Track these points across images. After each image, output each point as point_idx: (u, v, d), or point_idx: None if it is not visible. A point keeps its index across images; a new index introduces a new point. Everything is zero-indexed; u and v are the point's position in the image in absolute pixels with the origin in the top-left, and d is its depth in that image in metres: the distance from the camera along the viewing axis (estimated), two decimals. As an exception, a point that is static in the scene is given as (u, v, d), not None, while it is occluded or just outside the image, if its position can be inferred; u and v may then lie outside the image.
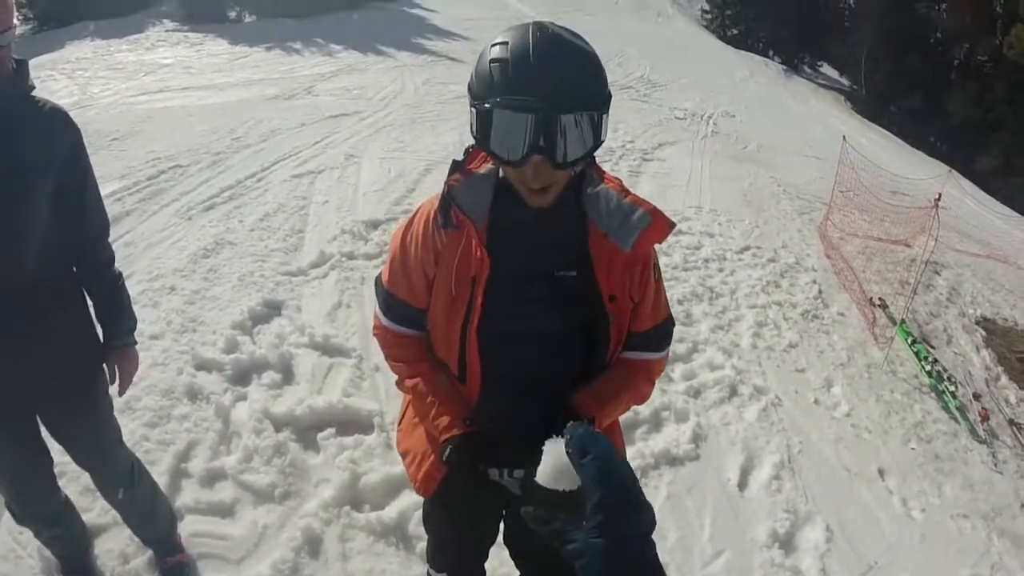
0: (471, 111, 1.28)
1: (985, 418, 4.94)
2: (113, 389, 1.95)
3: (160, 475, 2.65)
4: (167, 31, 12.19)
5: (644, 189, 7.32)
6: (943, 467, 4.20)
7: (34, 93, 1.65)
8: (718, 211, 7.26)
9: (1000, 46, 22.01)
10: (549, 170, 1.26)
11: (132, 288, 3.84)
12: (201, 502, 2.65)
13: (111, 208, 4.83)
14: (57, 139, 1.64)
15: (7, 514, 2.08)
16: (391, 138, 7.61)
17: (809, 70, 29.97)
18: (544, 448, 0.89)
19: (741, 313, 5.16)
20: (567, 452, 0.84)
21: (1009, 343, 6.52)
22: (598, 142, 1.27)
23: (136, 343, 1.96)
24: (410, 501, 2.75)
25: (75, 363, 1.84)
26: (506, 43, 1.23)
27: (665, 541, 2.93)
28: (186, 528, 2.50)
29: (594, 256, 1.41)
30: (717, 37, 27.32)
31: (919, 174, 12.14)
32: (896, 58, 25.79)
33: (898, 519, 3.57)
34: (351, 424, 3.19)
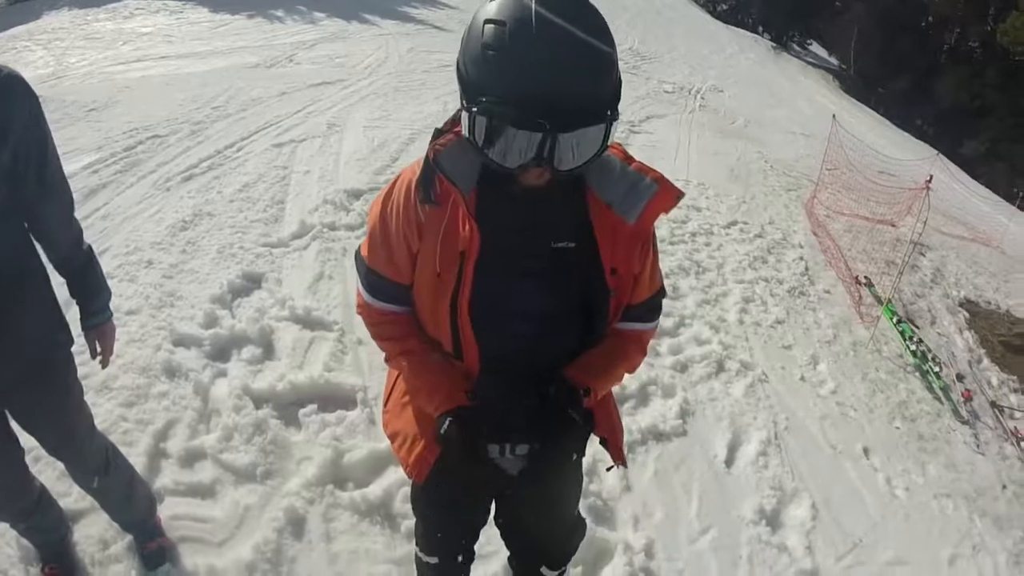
0: (465, 112, 1.15)
1: (968, 399, 4.99)
2: (94, 368, 1.85)
3: (138, 456, 2.57)
4: (146, -1, 11.84)
5: (631, 162, 7.21)
6: (927, 447, 4.23)
7: None
8: (706, 185, 7.23)
9: (992, 32, 22.11)
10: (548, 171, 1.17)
11: (109, 262, 3.77)
12: (181, 483, 2.57)
13: (87, 180, 4.76)
14: (14, 108, 1.49)
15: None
16: (374, 107, 7.46)
17: (799, 48, 29.97)
18: None
19: (728, 288, 5.15)
20: None
21: (991, 326, 6.59)
22: (605, 146, 1.17)
23: (113, 315, 1.86)
24: (395, 478, 2.70)
25: (41, 350, 1.73)
26: (503, 24, 1.08)
27: (652, 517, 2.92)
28: (166, 511, 2.42)
29: (596, 227, 1.31)
30: (707, 12, 27.16)
31: (906, 155, 12.19)
32: (886, 40, 25.89)
33: (882, 497, 3.59)
34: (333, 400, 3.12)
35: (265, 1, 12.29)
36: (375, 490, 2.66)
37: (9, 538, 2.19)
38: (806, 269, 5.95)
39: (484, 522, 1.77)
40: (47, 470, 2.36)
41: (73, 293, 1.77)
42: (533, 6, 1.07)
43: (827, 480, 3.54)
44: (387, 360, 1.49)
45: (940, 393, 4.91)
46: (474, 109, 1.11)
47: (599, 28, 1.10)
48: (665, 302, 4.53)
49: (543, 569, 1.82)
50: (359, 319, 1.54)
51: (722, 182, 7.55)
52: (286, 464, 2.75)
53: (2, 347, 1.61)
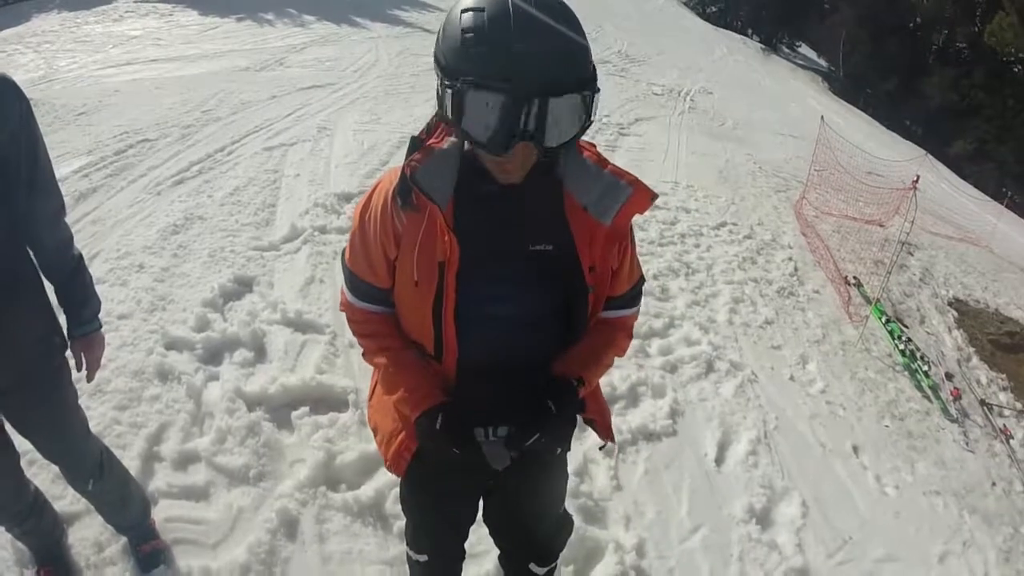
0: (443, 90, 1.17)
1: (957, 397, 5.03)
2: (81, 375, 1.86)
3: (132, 459, 2.58)
4: (136, 2, 11.78)
5: (619, 163, 7.18)
6: (916, 445, 4.27)
7: None
8: (695, 187, 7.28)
9: (979, 33, 22.32)
10: (532, 152, 1.20)
11: (100, 267, 3.77)
12: (175, 486, 2.57)
13: (78, 184, 4.75)
14: (5, 111, 1.50)
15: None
16: (364, 110, 7.48)
17: (787, 50, 30.16)
18: None
19: (717, 289, 5.18)
20: None
21: (981, 325, 6.65)
22: (590, 121, 1.19)
23: (102, 326, 1.86)
24: (386, 479, 2.71)
25: (35, 354, 1.73)
26: (480, 10, 1.11)
27: (643, 517, 2.94)
28: (160, 513, 2.43)
29: (574, 229, 1.34)
30: (696, 14, 27.29)
31: (894, 156, 12.29)
32: (874, 41, 26.08)
33: (872, 495, 3.62)
34: (325, 402, 3.13)
35: (255, 4, 12.27)
36: (367, 491, 2.68)
37: (4, 541, 2.19)
38: (795, 270, 5.99)
39: (472, 519, 1.78)
40: (42, 473, 2.36)
41: (61, 300, 1.77)
42: (513, 14, 1.10)
43: (817, 478, 3.56)
44: (365, 356, 1.51)
45: (929, 392, 4.95)
46: (457, 86, 1.13)
47: (572, 19, 1.14)
48: (655, 303, 4.51)
49: (532, 566, 1.84)
50: None
51: (711, 184, 7.59)
52: (279, 466, 2.76)
53: None
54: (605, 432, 1.57)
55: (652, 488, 3.13)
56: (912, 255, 7.52)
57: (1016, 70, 23.79)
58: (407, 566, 1.95)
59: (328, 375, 3.30)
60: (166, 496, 2.53)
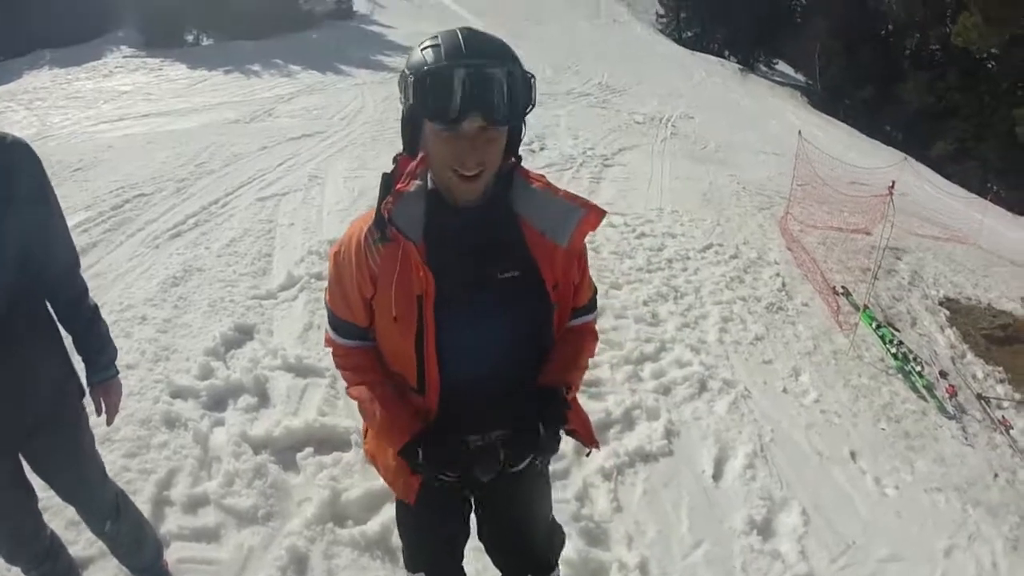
0: (405, 86, 1.34)
1: (953, 394, 5.08)
2: (100, 419, 1.94)
3: (143, 504, 2.65)
4: (125, 57, 12.08)
5: (605, 194, 7.44)
6: (914, 444, 4.31)
7: None
8: (680, 212, 7.39)
9: (950, 35, 22.66)
10: (484, 141, 1.33)
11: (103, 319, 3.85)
12: (185, 528, 2.65)
13: (78, 239, 4.86)
14: (19, 172, 1.62)
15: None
16: (353, 156, 7.65)
17: (765, 68, 30.58)
18: None
19: (707, 310, 5.26)
20: None
21: (973, 320, 6.70)
22: (530, 101, 1.35)
23: (119, 372, 1.96)
24: (391, 513, 2.76)
25: (55, 399, 1.82)
26: (435, 36, 1.33)
27: (644, 535, 2.99)
28: (172, 555, 2.49)
29: (535, 253, 1.48)
30: (673, 40, 27.75)
31: (876, 163, 12.45)
32: (848, 52, 26.44)
33: (872, 497, 3.66)
34: (329, 442, 3.21)
35: (242, 56, 12.55)
36: (373, 526, 2.75)
37: (21, 584, 2.25)
38: (783, 285, 6.08)
39: (465, 536, 1.85)
40: (55, 519, 2.42)
41: (79, 349, 1.87)
42: (459, 31, 1.32)
43: (816, 486, 3.61)
44: (347, 389, 1.63)
45: (924, 391, 5.01)
46: (412, 78, 1.31)
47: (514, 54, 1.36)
48: (645, 328, 4.60)
49: None
50: None
51: (696, 207, 7.71)
52: (286, 505, 2.83)
53: (18, 396, 1.71)
54: (588, 439, 1.69)
55: (652, 507, 3.18)
56: (900, 259, 7.61)
57: (990, 66, 24.15)
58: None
59: (330, 416, 3.38)
60: (177, 538, 2.60)
